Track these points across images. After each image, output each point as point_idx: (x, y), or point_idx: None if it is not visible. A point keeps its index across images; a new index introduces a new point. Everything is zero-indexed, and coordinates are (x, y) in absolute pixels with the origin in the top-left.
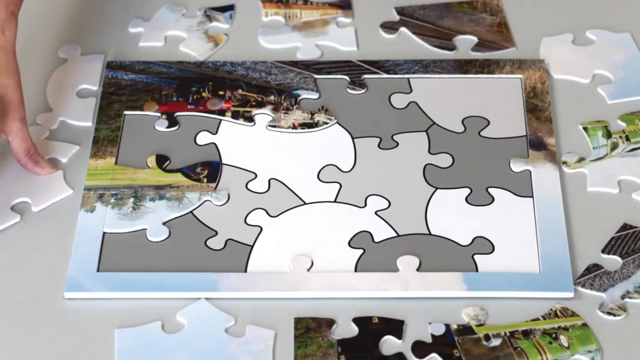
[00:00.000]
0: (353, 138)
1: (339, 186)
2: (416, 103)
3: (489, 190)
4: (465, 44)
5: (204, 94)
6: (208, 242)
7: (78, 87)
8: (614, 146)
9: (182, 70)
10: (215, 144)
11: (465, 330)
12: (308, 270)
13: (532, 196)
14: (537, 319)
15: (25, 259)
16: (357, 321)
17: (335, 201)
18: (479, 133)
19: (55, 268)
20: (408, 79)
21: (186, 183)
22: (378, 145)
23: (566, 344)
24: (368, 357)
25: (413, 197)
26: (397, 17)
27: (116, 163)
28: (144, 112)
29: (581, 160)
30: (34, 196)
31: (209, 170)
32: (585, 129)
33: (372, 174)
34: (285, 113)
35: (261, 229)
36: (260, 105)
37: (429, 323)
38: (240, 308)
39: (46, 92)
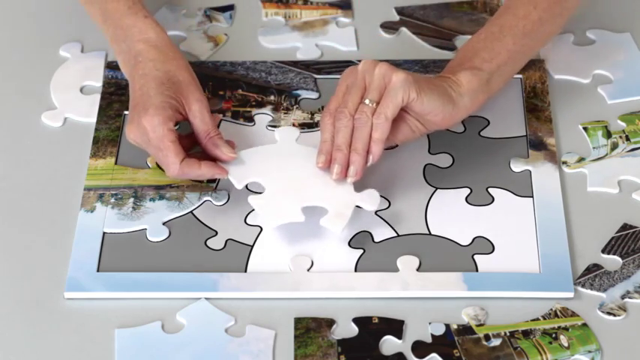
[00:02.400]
0: None
1: None
2: None
3: (489, 190)
4: None
5: None
6: (208, 242)
7: (81, 84)
8: (614, 146)
9: None
10: None
11: (465, 330)
12: (308, 270)
13: (532, 196)
14: (537, 319)
15: (25, 259)
16: (357, 321)
17: None
18: (479, 133)
19: (55, 268)
20: None
21: (186, 183)
22: None
23: (566, 344)
24: (368, 357)
25: (413, 197)
26: (397, 17)
27: (116, 163)
28: None
29: (581, 160)
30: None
31: None
32: (585, 129)
33: (372, 174)
34: (285, 113)
35: (261, 229)
36: (260, 105)
37: (429, 323)
38: (240, 308)
39: (49, 90)
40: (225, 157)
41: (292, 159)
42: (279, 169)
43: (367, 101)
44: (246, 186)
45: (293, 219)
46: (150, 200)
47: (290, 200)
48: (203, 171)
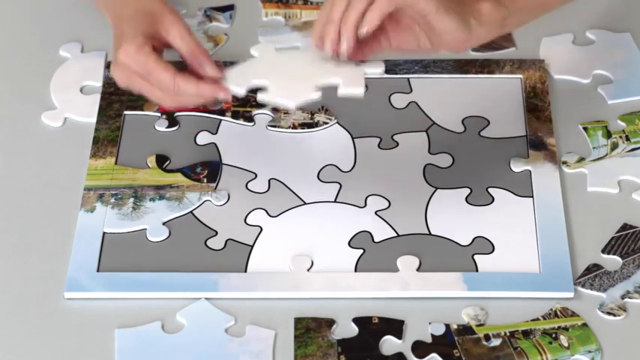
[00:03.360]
0: (353, 138)
1: (339, 186)
2: (416, 103)
3: (489, 190)
4: None
5: None
6: (208, 242)
7: (81, 84)
8: (614, 146)
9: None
10: (215, 144)
11: (465, 330)
12: (308, 270)
13: (532, 196)
14: (537, 319)
15: (25, 259)
16: (357, 321)
17: (335, 201)
18: (479, 133)
19: (55, 268)
20: (408, 79)
21: (186, 183)
22: (378, 145)
23: (566, 344)
24: (368, 357)
25: (413, 197)
26: None
27: (116, 163)
28: (144, 112)
29: (581, 160)
30: None
31: (209, 170)
32: (585, 129)
33: (372, 174)
34: (285, 113)
35: (261, 229)
36: (260, 105)
37: (429, 323)
38: (240, 308)
39: (49, 90)
40: (211, 74)
41: (284, 60)
42: (277, 69)
43: None
44: (246, 185)
45: (311, 96)
46: (150, 200)
47: (300, 83)
48: (201, 88)
